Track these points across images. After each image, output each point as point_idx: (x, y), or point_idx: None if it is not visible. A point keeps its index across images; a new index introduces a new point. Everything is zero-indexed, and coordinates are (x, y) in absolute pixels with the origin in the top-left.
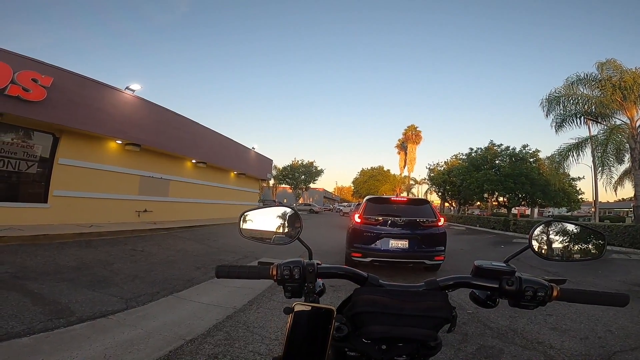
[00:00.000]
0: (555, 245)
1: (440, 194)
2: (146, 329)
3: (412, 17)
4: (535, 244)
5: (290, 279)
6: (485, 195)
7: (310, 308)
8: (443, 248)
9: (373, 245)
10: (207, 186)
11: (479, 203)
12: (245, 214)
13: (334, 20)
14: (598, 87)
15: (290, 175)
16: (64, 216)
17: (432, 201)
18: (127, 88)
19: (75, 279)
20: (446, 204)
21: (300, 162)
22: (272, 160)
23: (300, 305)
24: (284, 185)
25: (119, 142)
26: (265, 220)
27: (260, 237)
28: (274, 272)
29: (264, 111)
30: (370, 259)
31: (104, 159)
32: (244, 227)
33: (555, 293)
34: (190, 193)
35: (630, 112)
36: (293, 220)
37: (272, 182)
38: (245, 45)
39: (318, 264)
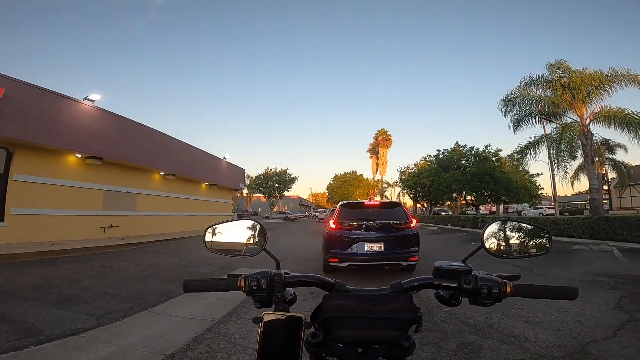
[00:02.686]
0: (506, 243)
1: (412, 195)
2: (122, 346)
3: (377, 23)
4: (487, 244)
5: (258, 290)
6: (454, 194)
7: (279, 317)
8: (417, 249)
9: (349, 250)
10: (177, 198)
11: (448, 203)
12: (210, 228)
13: (302, 27)
14: (549, 88)
15: (264, 184)
16: (23, 235)
17: (405, 203)
18: (85, 98)
19: (39, 297)
20: (418, 205)
21: (273, 170)
22: (244, 170)
23: (269, 315)
24: (258, 195)
25: (79, 155)
26: (230, 233)
27: (225, 250)
28: (242, 284)
29: (236, 121)
30: (348, 263)
31: (63, 174)
32: (209, 240)
33: (509, 289)
34: (159, 206)
35: (580, 111)
36: (258, 233)
37: (245, 191)
38: (213, 54)
39: (286, 273)
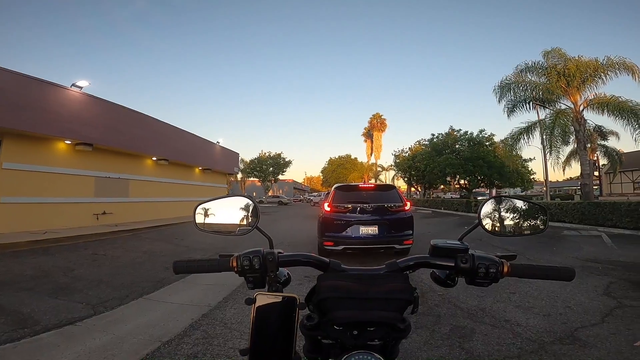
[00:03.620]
0: (503, 221)
1: (406, 179)
2: (118, 334)
3: (374, 8)
4: (484, 221)
5: (250, 270)
6: (448, 178)
7: (272, 297)
8: (411, 232)
9: (344, 233)
10: (171, 184)
11: (442, 187)
12: (199, 206)
13: (298, 11)
14: (544, 75)
15: (258, 168)
16: (15, 224)
17: (399, 186)
18: (73, 85)
19: (34, 287)
20: (412, 189)
21: (267, 154)
22: (238, 154)
23: (261, 295)
24: (252, 179)
25: (69, 142)
26: (222, 212)
27: (217, 230)
28: (234, 264)
29: (229, 105)
30: (342, 246)
31: (53, 161)
32: (199, 220)
33: (505, 269)
34: (153, 192)
35: (574, 97)
36: (251, 210)
37: (240, 175)
38: (206, 39)
39: (280, 252)
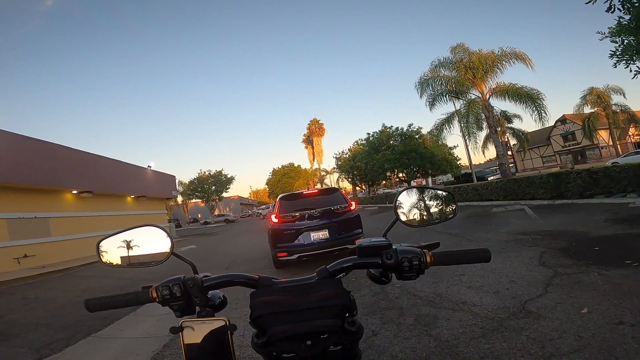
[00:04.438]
0: (417, 212)
1: (350, 179)
2: None
3: (295, 16)
4: (400, 215)
5: (172, 298)
6: (388, 173)
7: (199, 323)
8: (361, 230)
9: (296, 242)
10: (99, 216)
11: (384, 182)
12: (102, 242)
13: (224, 20)
14: (454, 69)
15: (199, 189)
16: None
17: (344, 188)
18: None
19: None
20: (357, 188)
21: (207, 173)
22: (174, 177)
23: (188, 322)
24: (194, 200)
25: None
26: (131, 244)
27: (129, 263)
28: (154, 295)
29: (158, 127)
30: (297, 255)
31: None
32: (105, 258)
33: (429, 259)
34: (79, 228)
35: (480, 88)
36: (162, 238)
37: (180, 198)
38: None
39: (206, 276)
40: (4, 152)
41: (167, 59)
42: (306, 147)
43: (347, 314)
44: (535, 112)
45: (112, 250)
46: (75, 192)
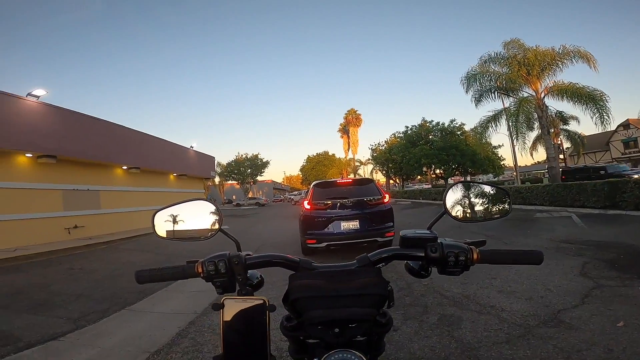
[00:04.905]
0: (468, 207)
1: (384, 172)
2: (105, 347)
3: (344, 5)
4: (450, 208)
5: (216, 275)
6: (424, 169)
7: (241, 302)
8: (392, 224)
9: (326, 230)
10: (144, 192)
11: (419, 177)
12: (158, 214)
13: (271, 9)
14: (506, 65)
15: (236, 171)
16: None
17: (378, 180)
18: (29, 95)
19: (10, 305)
20: (391, 181)
21: (244, 156)
22: (214, 158)
23: (229, 300)
24: (230, 182)
25: (29, 155)
26: (182, 217)
27: (179, 237)
28: (200, 270)
29: (202, 109)
30: (325, 243)
31: (14, 176)
32: (159, 228)
33: (475, 256)
34: (126, 202)
35: (535, 86)
36: (212, 213)
37: (217, 179)
38: (173, 39)
39: (248, 254)
40: (63, 128)
41: (217, 45)
42: (342, 137)
43: (384, 305)
44: (597, 115)
45: (166, 223)
46: (125, 167)
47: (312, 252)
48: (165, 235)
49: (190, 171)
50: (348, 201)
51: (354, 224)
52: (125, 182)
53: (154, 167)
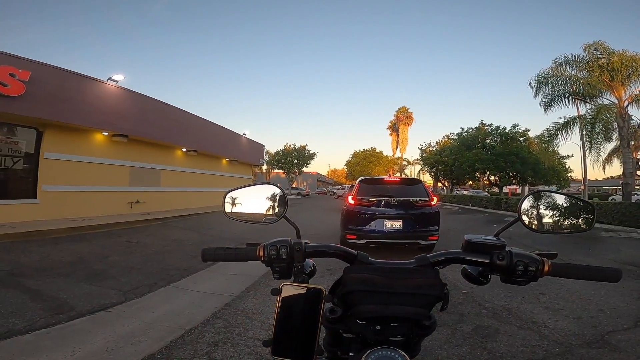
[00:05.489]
0: (545, 217)
1: (432, 174)
2: (146, 320)
3: (400, 2)
4: (524, 217)
5: (277, 259)
6: (477, 174)
7: (298, 289)
8: (437, 228)
9: (367, 227)
10: (199, 174)
11: (470, 183)
12: (228, 194)
13: (328, 3)
14: (585, 68)
15: (283, 160)
16: (55, 211)
17: (425, 181)
18: (109, 79)
19: (71, 273)
20: (439, 184)
21: (292, 146)
22: (264, 146)
23: (288, 286)
24: (277, 170)
25: (105, 133)
26: (250, 200)
27: (245, 218)
28: (261, 253)
29: (256, 97)
30: (365, 240)
31: (91, 152)
32: (228, 208)
33: (546, 268)
34: (182, 182)
35: (618, 93)
36: (278, 199)
37: (265, 167)
38: (235, 30)
39: (306, 243)
40: (135, 110)
41: (274, 38)
42: (391, 134)
43: (434, 308)
44: None
45: (235, 203)
46: (184, 149)
47: (351, 247)
48: (231, 215)
49: (241, 157)
50: (393, 200)
51: (397, 224)
52: (183, 163)
53: (209, 151)
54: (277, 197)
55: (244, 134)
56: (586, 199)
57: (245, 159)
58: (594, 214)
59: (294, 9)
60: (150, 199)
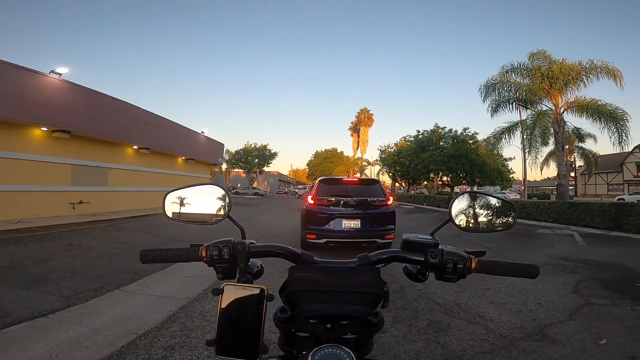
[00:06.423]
0: (473, 217)
1: (391, 174)
2: (92, 326)
3: (362, 5)
4: (455, 217)
5: (219, 260)
6: (431, 175)
7: (241, 289)
8: (393, 227)
9: (327, 226)
10: (152, 173)
11: (425, 183)
12: (169, 194)
13: (289, 4)
14: (529, 76)
15: (243, 159)
16: None
17: (383, 181)
18: (52, 72)
19: (5, 278)
20: (397, 184)
21: (253, 145)
22: (223, 145)
23: (229, 286)
24: (237, 170)
25: (45, 129)
26: (192, 200)
27: (188, 219)
28: (204, 254)
29: (215, 95)
30: (325, 240)
31: (27, 148)
32: (169, 209)
33: (473, 265)
34: (132, 181)
35: (556, 99)
36: (221, 198)
37: (224, 166)
38: (192, 27)
39: (251, 243)
40: (80, 105)
41: (236, 35)
42: (352, 135)
43: (378, 305)
44: (615, 135)
45: (176, 204)
46: (135, 147)
47: (311, 247)
48: (173, 217)
49: (198, 156)
50: (352, 200)
51: (355, 223)
52: (134, 161)
53: (163, 149)
54: (220, 198)
55: (202, 132)
56: (507, 199)
57: (203, 158)
58: (515, 212)
59: (255, 6)
60: (96, 199)
